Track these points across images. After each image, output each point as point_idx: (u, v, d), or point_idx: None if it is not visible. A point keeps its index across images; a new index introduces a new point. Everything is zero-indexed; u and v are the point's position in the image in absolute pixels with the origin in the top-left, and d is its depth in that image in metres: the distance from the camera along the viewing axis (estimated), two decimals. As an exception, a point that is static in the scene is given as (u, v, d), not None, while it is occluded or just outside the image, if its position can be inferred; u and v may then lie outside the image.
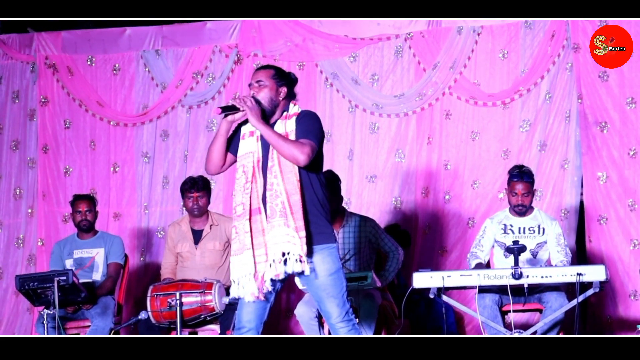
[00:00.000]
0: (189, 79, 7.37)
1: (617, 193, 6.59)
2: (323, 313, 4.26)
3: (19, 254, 7.48)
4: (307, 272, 4.09)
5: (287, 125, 4.19)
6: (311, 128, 4.16)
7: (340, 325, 4.17)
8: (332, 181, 6.02)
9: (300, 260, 4.05)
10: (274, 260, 4.07)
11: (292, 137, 4.15)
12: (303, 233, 4.05)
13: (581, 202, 6.73)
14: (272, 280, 4.13)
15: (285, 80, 4.28)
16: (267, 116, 4.22)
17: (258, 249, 4.12)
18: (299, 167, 4.12)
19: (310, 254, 4.10)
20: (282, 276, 4.10)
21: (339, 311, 4.16)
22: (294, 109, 4.25)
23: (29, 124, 7.60)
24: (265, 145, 4.18)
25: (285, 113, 4.23)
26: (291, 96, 4.31)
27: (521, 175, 5.68)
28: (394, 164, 7.09)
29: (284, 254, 4.06)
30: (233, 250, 4.20)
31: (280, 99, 4.25)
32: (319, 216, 4.16)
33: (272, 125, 4.19)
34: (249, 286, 4.11)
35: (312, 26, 7.17)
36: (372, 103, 7.11)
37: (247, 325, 4.18)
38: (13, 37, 7.61)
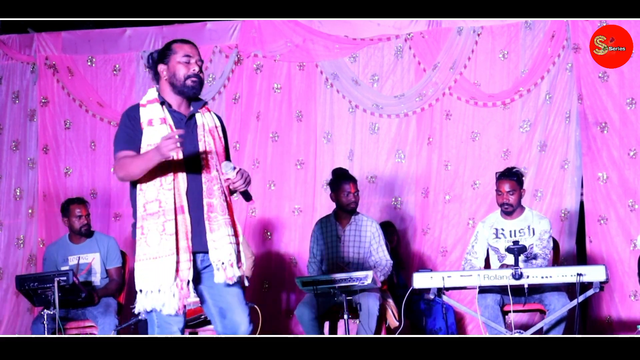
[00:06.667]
0: (189, 79, 7.36)
1: (617, 193, 6.60)
2: (232, 325, 3.86)
3: (19, 254, 7.47)
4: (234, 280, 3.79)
5: (215, 119, 3.92)
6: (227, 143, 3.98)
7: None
8: (342, 177, 6.06)
9: (231, 266, 3.76)
10: (219, 265, 3.76)
11: (220, 132, 3.90)
12: (241, 238, 3.84)
13: (581, 203, 6.73)
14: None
15: None
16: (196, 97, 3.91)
17: (183, 253, 3.72)
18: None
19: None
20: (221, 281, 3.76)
21: (249, 319, 3.90)
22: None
23: (29, 125, 7.59)
24: (192, 133, 3.80)
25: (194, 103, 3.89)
26: None
27: (507, 174, 5.63)
28: (394, 164, 7.09)
29: (222, 261, 3.76)
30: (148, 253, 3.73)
31: None
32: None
33: (191, 116, 3.85)
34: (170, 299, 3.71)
35: (312, 26, 7.18)
36: (372, 103, 7.10)
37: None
38: (13, 37, 7.61)
